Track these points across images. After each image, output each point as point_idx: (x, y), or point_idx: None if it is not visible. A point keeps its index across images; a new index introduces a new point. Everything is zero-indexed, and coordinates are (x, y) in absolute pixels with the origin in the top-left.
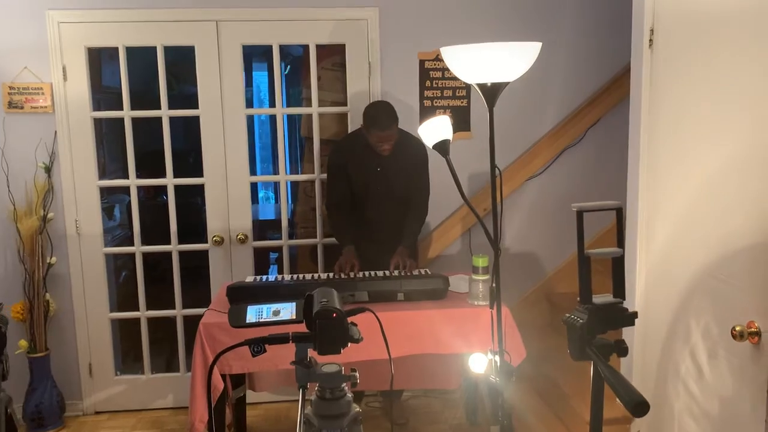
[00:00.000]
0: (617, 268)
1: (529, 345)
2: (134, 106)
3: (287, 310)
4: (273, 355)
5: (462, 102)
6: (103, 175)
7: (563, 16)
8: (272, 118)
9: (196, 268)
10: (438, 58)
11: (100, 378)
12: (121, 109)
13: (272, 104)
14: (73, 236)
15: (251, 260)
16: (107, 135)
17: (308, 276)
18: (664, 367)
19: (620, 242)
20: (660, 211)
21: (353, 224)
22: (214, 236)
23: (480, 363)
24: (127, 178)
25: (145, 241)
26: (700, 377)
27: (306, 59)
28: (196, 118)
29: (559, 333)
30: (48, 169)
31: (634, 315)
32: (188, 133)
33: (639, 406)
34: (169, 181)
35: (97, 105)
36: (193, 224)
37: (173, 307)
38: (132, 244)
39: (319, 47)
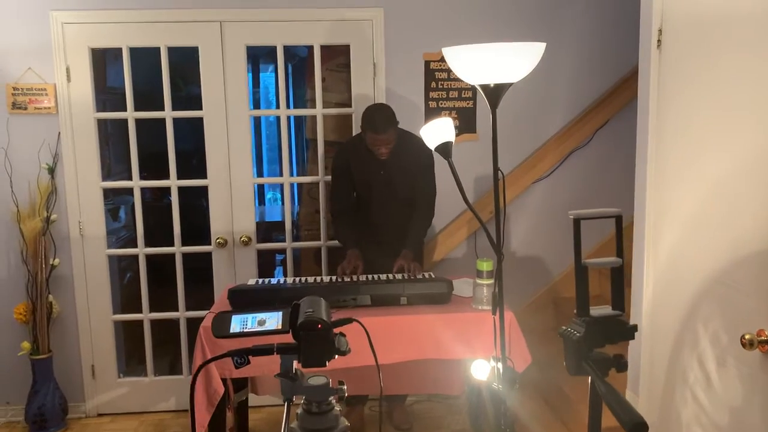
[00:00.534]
0: (617, 278)
1: (535, 350)
2: (140, 107)
3: (273, 320)
4: (272, 360)
5: (468, 103)
6: (109, 176)
7: (570, 18)
8: (279, 120)
9: (200, 270)
10: (443, 59)
11: (103, 380)
12: (126, 110)
13: (278, 105)
14: (77, 238)
15: (255, 262)
16: (113, 136)
17: (311, 279)
18: (672, 374)
19: (619, 251)
20: (668, 215)
21: (357, 226)
22: (217, 238)
23: (482, 370)
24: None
25: (150, 243)
26: (708, 386)
27: (310, 60)
28: (201, 119)
29: None
30: (51, 171)
31: (634, 328)
32: (194, 134)
33: (637, 427)
34: (173, 182)
35: (102, 106)
36: (197, 226)
37: (177, 309)
38: (136, 246)
39: (323, 48)
